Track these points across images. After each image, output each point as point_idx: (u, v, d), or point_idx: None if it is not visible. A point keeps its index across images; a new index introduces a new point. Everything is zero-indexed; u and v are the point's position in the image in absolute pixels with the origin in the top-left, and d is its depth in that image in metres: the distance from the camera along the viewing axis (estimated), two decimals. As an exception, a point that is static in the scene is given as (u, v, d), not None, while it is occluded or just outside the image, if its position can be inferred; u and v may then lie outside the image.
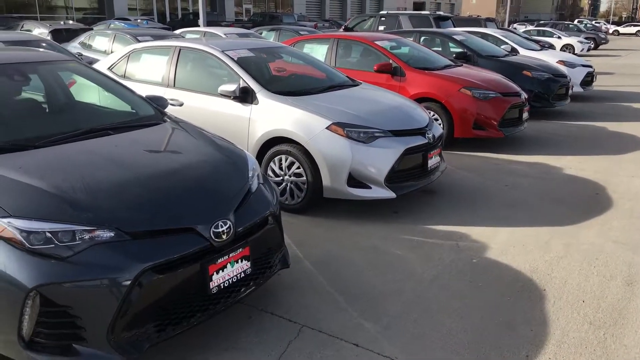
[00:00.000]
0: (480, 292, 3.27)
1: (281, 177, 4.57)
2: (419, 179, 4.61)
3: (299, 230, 4.21)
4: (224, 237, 2.54)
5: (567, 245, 3.95)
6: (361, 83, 5.62)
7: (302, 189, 4.49)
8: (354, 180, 4.34)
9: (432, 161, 4.71)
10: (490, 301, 3.17)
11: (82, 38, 11.18)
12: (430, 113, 6.72)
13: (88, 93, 4.03)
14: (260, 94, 4.67)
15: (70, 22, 15.08)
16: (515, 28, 32.94)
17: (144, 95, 3.88)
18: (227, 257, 2.56)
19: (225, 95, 4.71)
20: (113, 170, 2.61)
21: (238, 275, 2.63)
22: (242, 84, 4.75)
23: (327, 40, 7.78)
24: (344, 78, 5.65)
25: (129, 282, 2.21)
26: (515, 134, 7.09)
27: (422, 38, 9.90)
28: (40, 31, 13.11)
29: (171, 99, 5.07)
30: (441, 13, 17.08)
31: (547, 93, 8.82)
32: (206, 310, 2.49)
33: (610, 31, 56.01)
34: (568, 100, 9.37)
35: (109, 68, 5.76)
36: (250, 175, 3.05)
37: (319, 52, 7.77)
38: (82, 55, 10.17)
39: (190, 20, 30.24)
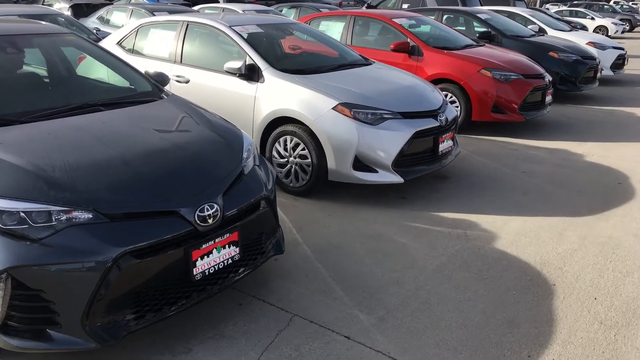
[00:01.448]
0: (485, 285, 3.10)
1: (286, 159, 4.43)
2: (429, 164, 4.42)
3: (301, 214, 4.09)
4: (210, 221, 2.42)
5: (583, 237, 3.74)
6: (374, 62, 5.40)
7: (307, 171, 4.34)
8: (360, 164, 4.17)
9: (444, 145, 4.50)
10: (495, 295, 3.00)
11: (101, 13, 11.12)
12: (447, 95, 6.48)
13: (89, 68, 3.93)
14: (267, 71, 4.51)
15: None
16: (547, 8, 31.84)
17: (147, 70, 3.76)
18: (213, 242, 2.44)
19: (231, 72, 4.56)
20: (97, 148, 2.51)
21: (225, 262, 2.52)
22: (248, 61, 4.59)
23: (344, 17, 7.53)
24: (356, 56, 5.44)
25: (105, 267, 2.12)
26: (537, 118, 6.79)
27: (445, 16, 9.55)
28: (60, 5, 13.10)
29: (177, 76, 4.97)
30: (467, -9, 16.47)
31: (574, 76, 8.43)
32: (189, 297, 2.39)
33: (648, 12, 53.72)
34: (596, 84, 8.95)
35: (117, 43, 5.66)
36: (245, 156, 2.92)
37: (335, 29, 7.54)
38: (99, 30, 10.11)
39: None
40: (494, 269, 3.30)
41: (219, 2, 14.52)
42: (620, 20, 29.02)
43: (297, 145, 4.35)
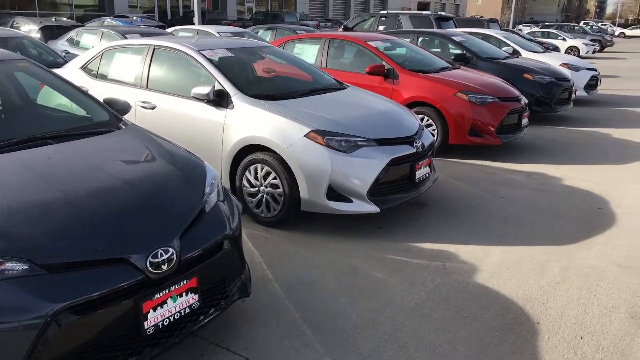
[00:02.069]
0: (466, 325, 2.91)
1: (257, 188, 4.22)
2: (406, 192, 4.25)
3: (273, 247, 3.87)
4: (165, 267, 2.19)
5: (565, 269, 3.59)
6: (348, 86, 5.26)
7: (279, 201, 4.14)
8: (334, 193, 3.98)
9: (421, 172, 4.35)
10: (477, 337, 2.81)
11: (70, 35, 10.86)
12: (424, 118, 6.38)
13: (47, 96, 3.69)
14: (236, 97, 4.32)
15: (64, 19, 14.73)
16: (520, 29, 32.54)
17: (107, 98, 3.54)
18: (167, 291, 2.21)
19: (198, 98, 4.36)
20: (40, 188, 2.27)
21: (182, 311, 2.29)
22: (217, 87, 4.40)
23: (319, 40, 7.42)
24: (330, 81, 5.29)
25: (41, 325, 1.87)
26: (514, 141, 6.72)
27: (420, 39, 9.54)
28: (30, 27, 12.82)
29: (143, 102, 4.75)
30: (442, 13, 16.67)
31: (548, 97, 8.45)
32: (140, 354, 2.15)
33: (617, 33, 55.45)
34: (571, 105, 8.98)
35: (81, 67, 5.43)
36: (207, 191, 2.71)
37: (309, 52, 7.43)
38: (68, 52, 9.85)
39: (191, 18, 29.92)
40: (475, 306, 3.11)
41: (194, 24, 14.38)
42: (591, 40, 29.77)
43: (268, 174, 4.15)
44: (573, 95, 9.02)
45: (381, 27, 15.10)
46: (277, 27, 14.21)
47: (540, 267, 3.61)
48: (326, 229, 4.18)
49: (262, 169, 4.17)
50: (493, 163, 6.22)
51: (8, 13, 21.85)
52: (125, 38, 9.11)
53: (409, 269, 3.56)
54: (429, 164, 4.51)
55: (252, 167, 4.23)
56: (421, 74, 6.63)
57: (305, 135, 3.99)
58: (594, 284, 3.38)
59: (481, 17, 27.54)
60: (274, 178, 4.11)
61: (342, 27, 16.81)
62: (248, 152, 4.24)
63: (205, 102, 4.37)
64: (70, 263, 2.01)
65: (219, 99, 4.35)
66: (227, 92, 4.35)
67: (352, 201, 4.00)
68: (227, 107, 4.33)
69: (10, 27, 12.96)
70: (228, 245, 2.59)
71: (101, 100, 3.47)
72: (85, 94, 3.44)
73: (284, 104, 4.33)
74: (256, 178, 4.21)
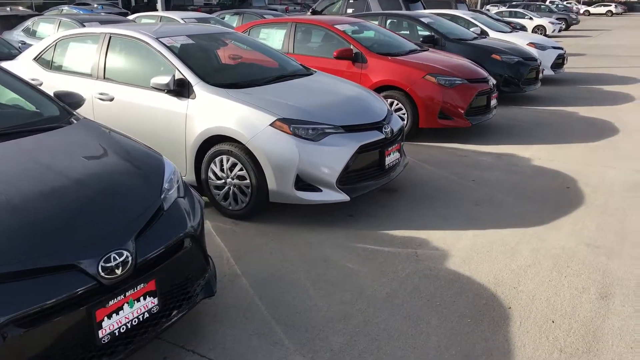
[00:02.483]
0: (438, 314, 2.87)
1: (223, 180, 4.09)
2: (376, 179, 4.18)
3: (241, 241, 3.76)
4: (119, 271, 2.07)
5: (536, 251, 3.58)
6: (315, 72, 5.13)
7: (246, 193, 4.02)
8: (303, 183, 3.89)
9: (391, 158, 4.28)
10: (449, 325, 2.77)
11: (27, 24, 10.40)
12: (393, 102, 6.31)
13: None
14: (198, 86, 4.16)
15: (20, 8, 14.12)
16: (488, 10, 32.66)
17: (58, 91, 3.35)
18: (122, 296, 2.09)
19: (158, 88, 4.18)
20: (-21, 192, 2.11)
21: (140, 317, 2.17)
22: (177, 76, 4.22)
23: (285, 24, 7.25)
24: (296, 66, 5.16)
25: (-18, 341, 1.73)
26: (483, 122, 6.72)
27: (389, 21, 9.43)
28: (-16, 18, 12.22)
29: (101, 93, 4.55)
30: (411, -6, 16.55)
31: (516, 77, 8.47)
32: (96, 364, 2.03)
33: (581, 11, 56.27)
34: (539, 85, 9.04)
35: (34, 58, 5.16)
36: (166, 187, 2.58)
37: (275, 37, 7.25)
38: (24, 43, 9.43)
39: (156, 5, 29.16)
40: (446, 293, 3.07)
41: (157, 10, 13.96)
42: (557, 19, 30.12)
43: (234, 165, 4.02)
44: (540, 75, 9.08)
45: (349, 10, 14.90)
46: (244, 12, 13.90)
47: (510, 250, 3.59)
48: (296, 220, 4.09)
49: (227, 161, 4.04)
50: (463, 145, 6.21)
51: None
52: (84, 27, 8.75)
53: (380, 258, 3.50)
54: (399, 149, 4.44)
55: (217, 159, 4.09)
56: (390, 57, 6.54)
57: (270, 125, 3.86)
58: (564, 265, 3.38)
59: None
60: (240, 169, 3.99)
61: (310, 10, 16.55)
62: (213, 144, 4.10)
63: (166, 92, 4.20)
64: (14, 272, 1.86)
65: (180, 89, 4.18)
66: (189, 81, 4.19)
67: (321, 190, 3.91)
68: (188, 97, 4.17)
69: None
70: (189, 244, 2.48)
71: (51, 94, 3.28)
72: (33, 87, 3.24)
73: (248, 92, 4.19)
74: (222, 170, 4.08)
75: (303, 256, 3.53)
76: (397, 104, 6.31)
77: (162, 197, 2.49)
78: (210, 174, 4.15)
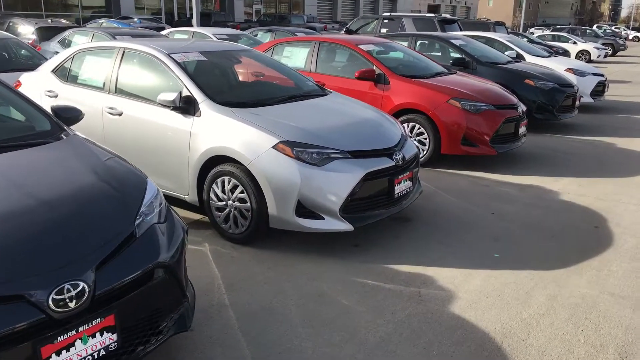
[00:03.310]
0: (433, 365, 2.61)
1: (224, 202, 3.94)
2: (384, 208, 3.94)
3: (237, 268, 3.58)
4: (72, 304, 1.91)
5: (552, 298, 3.26)
6: (331, 93, 4.96)
7: (247, 216, 3.85)
8: (305, 209, 3.69)
9: (401, 187, 4.04)
10: (444, 379, 2.50)
11: (63, 35, 10.68)
12: (415, 126, 6.07)
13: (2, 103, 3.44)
14: (204, 104, 4.04)
15: (63, 20, 14.59)
16: (532, 32, 32.04)
17: (55, 104, 3.28)
18: (74, 331, 1.93)
19: (164, 105, 4.08)
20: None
21: (95, 354, 2.00)
22: (185, 93, 4.13)
23: (308, 43, 7.13)
24: (312, 87, 5.00)
25: None
26: (510, 150, 6.38)
27: (419, 42, 9.23)
28: (26, 28, 12.67)
29: (110, 107, 4.50)
30: (447, 16, 16.31)
31: (551, 104, 8.09)
32: (39, 405, 1.87)
33: (630, 37, 54.60)
34: (575, 112, 8.62)
35: (52, 70, 5.18)
36: (144, 211, 2.43)
37: (299, 56, 7.14)
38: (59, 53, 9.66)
39: (201, 20, 29.81)
40: (447, 341, 2.80)
41: (192, 25, 14.17)
42: (603, 44, 29.21)
43: (235, 187, 3.86)
44: (577, 102, 8.65)
45: (384, 30, 14.77)
46: (276, 30, 13.95)
47: (524, 296, 3.28)
48: (298, 247, 3.89)
49: (229, 182, 3.89)
50: (487, 174, 5.89)
51: (11, 14, 21.85)
52: (115, 39, 8.90)
53: (379, 296, 3.25)
54: (411, 177, 4.19)
55: (219, 180, 3.95)
56: (413, 80, 6.31)
57: (273, 147, 3.70)
58: (582, 317, 3.05)
59: (487, 19, 27.10)
60: (242, 192, 3.83)
61: (344, 29, 16.51)
62: (216, 164, 3.96)
63: (171, 109, 4.10)
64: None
65: (187, 106, 4.08)
66: (195, 99, 4.08)
67: (323, 218, 3.70)
68: (194, 115, 4.06)
69: (6, 28, 12.82)
70: (161, 275, 2.31)
71: (49, 108, 3.22)
72: (29, 101, 3.18)
73: (255, 112, 4.05)
74: (223, 191, 3.93)
75: (298, 289, 3.32)
76: (419, 128, 6.07)
77: (136, 222, 2.34)
78: (212, 195, 4.01)
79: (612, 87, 13.91)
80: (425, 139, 6.04)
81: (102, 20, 15.69)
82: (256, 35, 13.58)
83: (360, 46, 6.72)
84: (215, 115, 3.98)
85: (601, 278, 3.53)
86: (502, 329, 2.92)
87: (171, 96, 4.02)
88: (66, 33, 10.68)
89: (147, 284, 2.23)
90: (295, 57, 7.17)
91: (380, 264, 3.67)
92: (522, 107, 6.43)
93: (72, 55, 5.10)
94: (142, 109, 4.34)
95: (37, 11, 28.59)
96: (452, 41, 8.85)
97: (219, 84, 4.60)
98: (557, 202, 5.06)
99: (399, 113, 6.20)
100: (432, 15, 14.81)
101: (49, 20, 12.97)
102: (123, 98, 4.49)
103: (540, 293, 3.32)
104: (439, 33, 10.49)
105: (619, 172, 6.10)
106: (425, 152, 6.06)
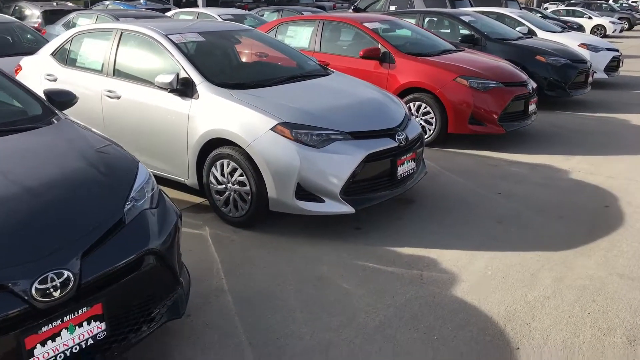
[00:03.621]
0: (433, 351, 2.54)
1: (224, 185, 3.88)
2: (386, 190, 3.85)
3: (236, 252, 3.53)
4: (57, 294, 1.87)
5: (559, 280, 3.17)
6: (333, 72, 4.84)
7: (246, 200, 3.79)
8: (305, 192, 3.62)
9: (404, 168, 3.94)
10: (443, 365, 2.44)
11: (68, 18, 10.61)
12: (421, 105, 5.93)
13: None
14: (202, 86, 3.96)
15: (69, 3, 14.50)
16: (546, 7, 31.25)
17: (49, 88, 3.23)
18: (60, 321, 1.89)
19: (162, 87, 4.01)
20: None
21: (83, 344, 1.97)
22: (182, 75, 4.04)
23: (313, 22, 6.98)
24: (313, 66, 4.89)
25: None
26: (520, 129, 6.22)
27: (427, 19, 9.00)
28: (32, 12, 12.61)
29: (109, 91, 4.44)
30: (457, -8, 15.90)
31: (563, 81, 7.87)
32: (26, 396, 1.84)
33: (647, 10, 53.06)
34: (588, 89, 8.39)
35: (51, 54, 5.12)
36: (134, 197, 2.37)
37: (303, 35, 7.00)
38: (63, 38, 9.59)
39: (208, 0, 29.55)
40: (448, 325, 2.73)
41: (198, 6, 14.00)
42: (619, 19, 28.45)
43: (234, 170, 3.80)
44: (590, 78, 8.41)
45: (392, 7, 14.45)
46: (283, 9, 13.74)
47: (530, 278, 3.20)
48: (299, 230, 3.83)
49: (228, 165, 3.82)
50: (495, 154, 5.76)
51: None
52: (119, 21, 8.80)
53: (380, 279, 3.19)
54: (414, 158, 4.09)
55: (218, 163, 3.88)
56: (419, 58, 6.15)
57: (271, 129, 3.61)
58: (590, 299, 2.96)
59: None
60: (241, 175, 3.76)
61: (352, 8, 16.21)
62: (214, 147, 3.89)
63: (169, 92, 4.02)
64: None
65: (184, 88, 3.99)
66: (192, 81, 3.99)
67: (324, 201, 3.63)
68: (192, 97, 3.98)
69: (12, 12, 12.78)
70: (153, 262, 2.26)
71: (42, 92, 3.16)
72: (20, 85, 3.12)
73: (254, 93, 3.96)
74: (223, 174, 3.87)
75: (298, 273, 3.27)
76: (425, 107, 5.93)
77: (125, 208, 2.28)
78: (212, 178, 3.95)
79: (627, 62, 13.52)
80: (432, 118, 5.91)
81: (108, 2, 15.56)
82: (262, 15, 13.39)
83: (366, 24, 6.55)
84: (213, 97, 3.89)
85: (610, 259, 3.43)
86: (506, 312, 2.84)
87: (168, 78, 3.94)
88: (70, 16, 10.61)
89: (137, 271, 2.18)
90: (299, 36, 7.03)
91: (382, 247, 3.60)
92: (532, 84, 6.25)
93: (70, 38, 5.02)
94: (140, 92, 4.26)
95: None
96: (461, 17, 8.62)
97: (218, 65, 4.50)
98: (567, 181, 4.92)
99: (405, 92, 6.06)
100: (441, -9, 14.43)
101: (55, 4, 12.90)
102: (121, 81, 4.42)
103: (547, 275, 3.22)
104: (447, 9, 10.24)
105: (631, 150, 5.92)
106: (432, 131, 5.94)
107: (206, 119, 3.87)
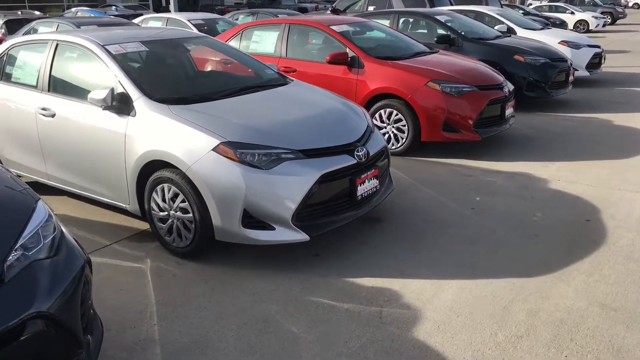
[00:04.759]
0: (386, 412, 2.18)
1: (166, 212, 3.50)
2: (345, 212, 3.49)
3: (177, 289, 3.15)
4: None
5: (533, 314, 2.82)
6: (292, 81, 4.48)
7: (190, 228, 3.41)
8: (252, 219, 3.24)
9: (365, 187, 3.58)
10: None
11: (31, 26, 10.14)
12: (392, 112, 5.59)
13: None
14: (139, 101, 3.57)
15: (37, 12, 14.00)
16: (530, 4, 31.11)
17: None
18: None
19: (95, 104, 3.62)
20: None
21: None
22: (119, 89, 3.66)
23: (278, 26, 6.61)
24: (271, 76, 4.52)
25: None
26: (497, 134, 5.89)
27: (402, 20, 8.67)
28: (-5, 21, 12.11)
29: (43, 108, 4.04)
30: (436, -10, 15.59)
31: (542, 80, 7.57)
32: None
33: (630, 4, 53.27)
34: (569, 88, 8.09)
35: (-13, 68, 4.70)
36: (24, 244, 1.99)
37: (268, 40, 6.62)
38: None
39: (187, 4, 29.06)
40: (405, 377, 2.38)
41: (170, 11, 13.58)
42: (602, 13, 28.39)
43: (176, 195, 3.42)
44: (571, 77, 8.11)
45: (371, 8, 14.10)
46: (257, 12, 13.35)
47: (501, 312, 2.85)
48: (250, 261, 3.45)
49: (169, 190, 3.44)
50: (471, 162, 5.42)
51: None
52: (79, 29, 8.37)
53: (334, 319, 2.82)
54: (377, 175, 3.73)
55: (159, 187, 3.50)
56: (390, 62, 5.80)
57: (213, 149, 3.24)
58: (567, 338, 2.62)
59: (480, -8, 26.24)
60: (183, 201, 3.38)
61: (331, 9, 15.85)
62: (155, 169, 3.51)
63: (103, 109, 3.63)
64: None
65: (121, 105, 3.61)
66: (129, 96, 3.61)
67: (274, 228, 3.26)
68: (129, 115, 3.59)
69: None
70: (41, 327, 1.88)
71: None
72: None
73: (197, 108, 3.57)
74: (164, 200, 3.49)
75: (242, 313, 2.89)
76: (397, 115, 5.58)
77: (7, 262, 1.90)
78: (153, 204, 3.57)
79: (611, 57, 13.32)
80: (404, 126, 5.56)
81: (79, 9, 15.08)
82: (237, 20, 12.99)
83: (333, 27, 6.19)
84: (152, 115, 3.51)
85: (591, 285, 3.09)
86: (473, 357, 2.49)
87: (102, 94, 3.55)
88: (32, 24, 10.14)
89: (17, 340, 1.79)
90: (265, 41, 6.65)
91: (341, 278, 3.24)
92: (508, 87, 5.92)
93: (6, 51, 4.61)
94: (75, 109, 3.87)
95: (20, 2, 28.00)
96: (437, 17, 8.29)
97: (161, 77, 4.10)
98: (546, 191, 4.59)
99: (375, 98, 5.71)
100: (420, -11, 14.13)
101: (19, 12, 12.41)
102: (56, 97, 4.03)
103: (520, 308, 2.88)
104: (422, 9, 9.91)
105: (615, 154, 5.62)
106: (404, 140, 5.59)
107: (144, 139, 3.49)
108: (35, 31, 9.82)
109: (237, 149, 3.22)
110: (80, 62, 4.05)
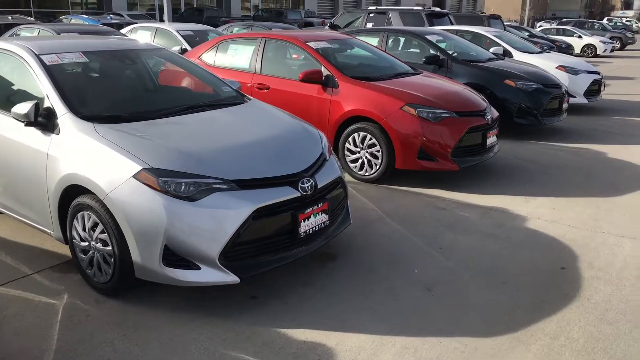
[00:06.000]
0: None
1: (87, 243, 3.13)
2: (285, 252, 3.11)
3: (84, 335, 2.77)
4: None
5: (483, 385, 2.42)
6: (250, 100, 4.13)
7: (110, 263, 3.04)
8: (175, 257, 2.87)
9: (310, 222, 3.20)
10: None
11: (12, 31, 9.91)
12: (366, 137, 5.23)
13: None
14: (65, 118, 3.23)
15: (30, 18, 13.85)
16: (540, 26, 30.85)
17: None
18: None
19: (19, 119, 3.28)
20: None
21: None
22: (46, 104, 3.32)
23: (254, 40, 6.29)
24: (228, 93, 4.17)
25: None
26: (478, 164, 5.51)
27: (391, 39, 8.34)
28: (-15, 26, 11.91)
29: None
30: (436, 9, 15.36)
31: (534, 107, 7.18)
32: None
33: (641, 30, 52.95)
34: (563, 116, 7.70)
35: None
36: None
37: (244, 54, 6.31)
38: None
39: (192, 15, 29.05)
40: None
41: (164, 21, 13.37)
42: (611, 38, 28.10)
43: (95, 225, 3.05)
44: (565, 105, 7.73)
45: (369, 25, 13.89)
46: (252, 25, 13.11)
47: (445, 382, 2.44)
48: (176, 302, 3.08)
49: (89, 219, 3.08)
50: (447, 193, 5.03)
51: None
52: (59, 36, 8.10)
53: (250, 381, 2.43)
54: (327, 209, 3.35)
55: (79, 215, 3.14)
56: (366, 83, 5.45)
57: (134, 176, 2.88)
58: (517, 421, 2.21)
59: (482, 13, 26.06)
60: (102, 232, 3.01)
61: (328, 25, 15.63)
62: (77, 194, 3.15)
63: (25, 124, 3.28)
64: None
65: (45, 121, 3.27)
66: (55, 112, 3.27)
67: (199, 268, 2.88)
68: (53, 132, 3.25)
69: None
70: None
71: None
72: None
73: (126, 128, 3.22)
74: (84, 229, 3.12)
75: (148, 368, 2.51)
76: (371, 139, 5.21)
77: None
78: (74, 233, 3.20)
79: (614, 84, 12.96)
80: (378, 151, 5.19)
81: (66, 16, 14.92)
82: (232, 32, 12.74)
83: (309, 43, 5.86)
84: (75, 133, 3.17)
85: (554, 351, 2.68)
86: None
87: (24, 108, 3.21)
88: (15, 29, 9.90)
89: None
90: (240, 56, 6.34)
91: (273, 327, 2.85)
92: (491, 114, 5.54)
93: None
94: (2, 123, 3.53)
95: (25, 8, 28.05)
96: (427, 37, 7.97)
97: (95, 92, 3.75)
98: (521, 231, 4.19)
99: (349, 121, 5.36)
100: (419, 8, 13.90)
101: (9, 17, 12.22)
102: (-12, 110, 3.69)
103: (468, 377, 2.48)
104: (412, 28, 9.61)
105: (604, 190, 5.21)
106: (378, 166, 5.22)
107: (66, 160, 3.14)
108: (17, 36, 9.59)
109: (160, 177, 2.86)
110: (12, 71, 3.73)
